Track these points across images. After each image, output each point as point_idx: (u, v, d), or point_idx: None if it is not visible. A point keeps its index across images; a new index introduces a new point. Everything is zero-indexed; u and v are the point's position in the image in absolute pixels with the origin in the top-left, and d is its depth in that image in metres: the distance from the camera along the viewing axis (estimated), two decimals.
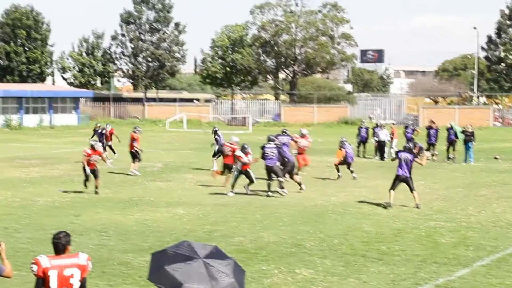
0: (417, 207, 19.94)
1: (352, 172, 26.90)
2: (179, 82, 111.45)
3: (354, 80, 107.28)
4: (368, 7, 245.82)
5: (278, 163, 22.55)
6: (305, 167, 27.28)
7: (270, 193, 22.28)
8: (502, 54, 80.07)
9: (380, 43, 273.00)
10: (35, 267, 7.69)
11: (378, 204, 20.55)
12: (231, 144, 24.46)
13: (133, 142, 28.80)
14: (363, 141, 37.08)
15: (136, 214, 19.02)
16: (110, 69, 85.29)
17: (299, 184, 23.28)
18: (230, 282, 6.54)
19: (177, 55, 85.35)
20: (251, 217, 18.65)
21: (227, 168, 24.24)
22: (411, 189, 20.20)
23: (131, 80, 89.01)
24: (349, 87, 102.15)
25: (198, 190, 23.90)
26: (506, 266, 13.61)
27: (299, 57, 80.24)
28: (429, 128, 35.93)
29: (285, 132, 27.60)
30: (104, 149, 32.35)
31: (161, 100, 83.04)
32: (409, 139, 35.31)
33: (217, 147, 28.76)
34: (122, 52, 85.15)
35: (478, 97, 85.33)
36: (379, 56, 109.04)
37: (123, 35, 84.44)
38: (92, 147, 22.62)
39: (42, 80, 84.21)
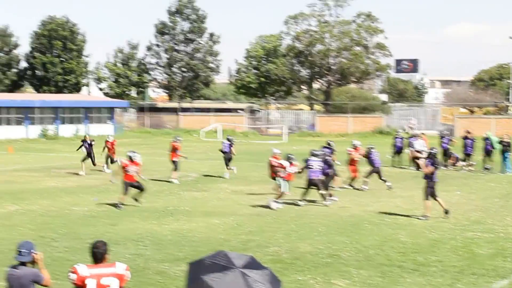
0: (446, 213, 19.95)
1: (385, 181, 26.73)
2: (214, 92, 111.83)
3: (389, 90, 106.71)
4: (402, 17, 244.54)
5: (321, 176, 22.47)
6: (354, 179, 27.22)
7: (301, 202, 22.26)
8: None
9: (415, 53, 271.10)
10: (73, 276, 7.74)
11: (413, 215, 20.39)
12: (275, 156, 24.48)
13: (174, 151, 29.42)
14: (398, 151, 36.87)
15: (171, 223, 19.09)
16: (144, 79, 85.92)
17: (327, 196, 22.88)
18: None
19: (211, 65, 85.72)
20: (287, 227, 18.62)
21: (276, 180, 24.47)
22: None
23: (165, 90, 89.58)
24: (383, 97, 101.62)
25: (233, 199, 23.93)
26: None
27: (333, 67, 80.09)
28: (465, 138, 35.58)
29: (329, 145, 27.64)
30: (93, 159, 33.00)
31: (196, 110, 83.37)
32: (445, 149, 35.02)
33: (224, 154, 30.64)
34: (157, 63, 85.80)
35: None
36: (414, 66, 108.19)
37: (157, 45, 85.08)
38: (130, 158, 22.33)
39: (78, 90, 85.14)
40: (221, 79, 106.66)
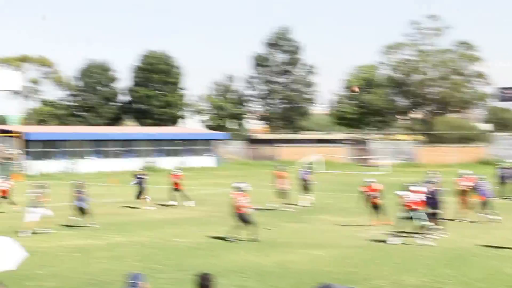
0: None
1: (492, 214, 25.98)
2: (314, 123, 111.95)
3: (491, 119, 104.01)
4: (507, 44, 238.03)
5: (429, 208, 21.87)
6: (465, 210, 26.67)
7: (418, 237, 21.33)
8: None
9: None
10: None
11: None
12: (369, 186, 24.33)
13: (280, 179, 30.06)
14: (502, 181, 35.90)
15: (274, 255, 19.15)
16: (242, 111, 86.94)
17: (434, 229, 22.20)
18: None
19: (308, 96, 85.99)
20: (391, 259, 18.38)
21: (374, 208, 24.31)
22: None
23: (264, 122, 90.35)
24: (486, 126, 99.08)
25: (334, 231, 23.82)
26: None
27: (432, 96, 78.91)
28: None
29: (431, 176, 27.06)
30: (140, 194, 32.70)
31: (294, 141, 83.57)
32: None
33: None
34: (254, 94, 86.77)
35: None
36: None
37: (254, 77, 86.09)
38: (239, 189, 21.96)
39: (174, 122, 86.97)
40: (319, 110, 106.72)
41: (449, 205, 26.59)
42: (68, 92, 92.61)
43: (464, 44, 78.20)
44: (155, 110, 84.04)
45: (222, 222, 25.12)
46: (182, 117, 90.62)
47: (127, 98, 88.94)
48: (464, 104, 79.85)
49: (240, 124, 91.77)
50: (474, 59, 77.87)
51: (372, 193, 24.77)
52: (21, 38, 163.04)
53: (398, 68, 78.96)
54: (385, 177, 48.24)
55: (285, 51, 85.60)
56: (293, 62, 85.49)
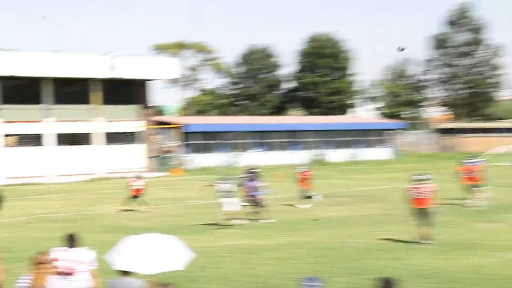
0: None
1: None
2: (502, 110, 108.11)
3: None
4: None
5: None
6: None
7: None
8: None
9: None
10: None
11: None
12: None
13: (470, 173, 29.01)
14: None
15: (462, 259, 18.42)
16: (420, 97, 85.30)
17: None
18: None
19: (494, 80, 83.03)
20: None
21: None
22: None
23: (445, 109, 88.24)
24: None
25: None
26: None
27: None
28: None
29: None
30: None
31: (482, 130, 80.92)
32: None
33: None
34: (433, 79, 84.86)
35: None
36: None
37: (432, 60, 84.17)
38: (420, 181, 20.95)
39: (344, 111, 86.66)
40: (507, 95, 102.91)
41: None
42: (228, 80, 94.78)
43: None
44: (322, 98, 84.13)
45: (398, 220, 24.57)
46: (352, 105, 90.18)
47: (292, 85, 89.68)
48: None
49: (417, 112, 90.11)
50: None
51: None
52: (177, 24, 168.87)
53: None
54: None
55: (467, 31, 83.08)
56: (476, 42, 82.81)
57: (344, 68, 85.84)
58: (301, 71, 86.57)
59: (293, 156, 66.32)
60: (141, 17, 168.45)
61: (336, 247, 20.63)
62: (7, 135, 52.39)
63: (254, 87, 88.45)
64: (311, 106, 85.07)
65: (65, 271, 11.02)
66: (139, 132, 57.87)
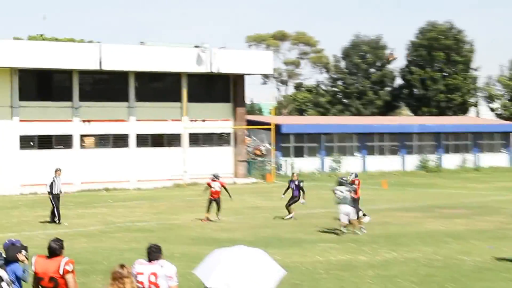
0: None
1: None
2: None
3: None
4: None
5: None
6: None
7: None
8: None
9: None
10: None
11: None
12: None
13: None
14: None
15: None
16: None
17: None
18: None
19: None
20: None
21: None
22: None
23: None
24: None
25: None
26: None
27: None
28: None
29: None
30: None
31: None
32: None
33: None
34: None
35: None
36: None
37: None
38: None
39: (464, 111, 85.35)
40: None
41: None
42: (330, 75, 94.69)
43: None
44: (438, 96, 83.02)
45: None
46: (475, 105, 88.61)
47: (401, 82, 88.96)
48: None
49: None
50: None
51: None
52: (271, 14, 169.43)
53: None
54: None
55: None
56: None
57: (463, 63, 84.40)
58: (413, 65, 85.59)
59: (403, 161, 65.89)
60: (233, 6, 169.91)
61: (444, 265, 20.56)
62: (84, 136, 53.46)
63: (360, 83, 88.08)
64: (424, 105, 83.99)
65: (147, 287, 11.35)
66: (228, 133, 58.37)
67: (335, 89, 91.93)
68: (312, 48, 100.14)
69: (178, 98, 56.45)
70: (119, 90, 54.79)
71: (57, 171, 32.53)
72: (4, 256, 13.21)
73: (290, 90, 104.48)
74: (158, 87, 57.28)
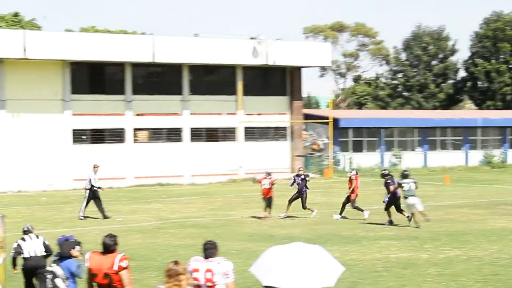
0: None
1: None
2: None
3: None
4: None
5: None
6: None
7: None
8: None
9: None
10: None
11: None
12: None
13: None
14: None
15: None
16: None
17: None
18: None
19: None
20: None
21: None
22: None
23: None
24: None
25: None
26: None
27: None
28: None
29: None
30: (303, 200, 31.65)
31: None
32: None
33: None
34: None
35: None
36: None
37: None
38: None
39: None
40: None
41: None
42: (390, 68, 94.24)
43: None
44: (503, 90, 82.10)
45: None
46: None
47: (464, 74, 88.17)
48: None
49: None
50: None
51: None
52: (335, 4, 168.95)
53: None
54: None
55: None
56: None
57: None
58: (477, 57, 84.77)
59: (466, 156, 65.36)
60: None
61: (509, 264, 20.41)
62: (137, 130, 53.84)
63: (421, 75, 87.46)
64: (488, 98, 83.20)
65: (203, 284, 11.44)
66: (284, 127, 58.38)
67: (395, 82, 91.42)
68: (372, 40, 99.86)
69: (233, 91, 56.57)
70: (173, 83, 55.05)
71: (95, 167, 32.97)
72: (59, 252, 13.46)
73: (349, 83, 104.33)
74: (213, 80, 57.51)
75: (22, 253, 16.02)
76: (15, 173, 48.88)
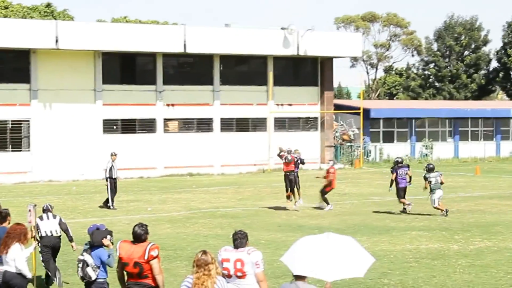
0: None
1: None
2: None
3: None
4: None
5: None
6: None
7: None
8: None
9: None
10: None
11: None
12: None
13: None
14: None
15: None
16: None
17: None
18: None
19: None
20: None
21: None
22: None
23: None
24: None
25: None
26: None
27: None
28: None
29: None
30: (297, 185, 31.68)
31: None
32: None
33: None
34: None
35: None
36: None
37: None
38: None
39: None
40: None
41: None
42: (421, 58, 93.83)
43: None
44: None
45: None
46: None
47: (498, 65, 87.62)
48: None
49: None
50: None
51: None
52: None
53: None
54: None
55: None
56: None
57: None
58: (509, 47, 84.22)
59: (493, 147, 65.00)
60: None
61: None
62: (167, 120, 53.95)
63: (453, 66, 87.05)
64: None
65: (233, 273, 11.48)
66: (315, 117, 58.28)
67: (427, 72, 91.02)
68: (403, 30, 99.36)
69: (263, 82, 56.52)
70: (204, 73, 55.07)
71: (113, 155, 33.01)
72: (89, 241, 13.57)
73: (380, 73, 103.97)
74: (243, 70, 57.49)
75: (39, 231, 16.62)
76: (46, 162, 49.18)
